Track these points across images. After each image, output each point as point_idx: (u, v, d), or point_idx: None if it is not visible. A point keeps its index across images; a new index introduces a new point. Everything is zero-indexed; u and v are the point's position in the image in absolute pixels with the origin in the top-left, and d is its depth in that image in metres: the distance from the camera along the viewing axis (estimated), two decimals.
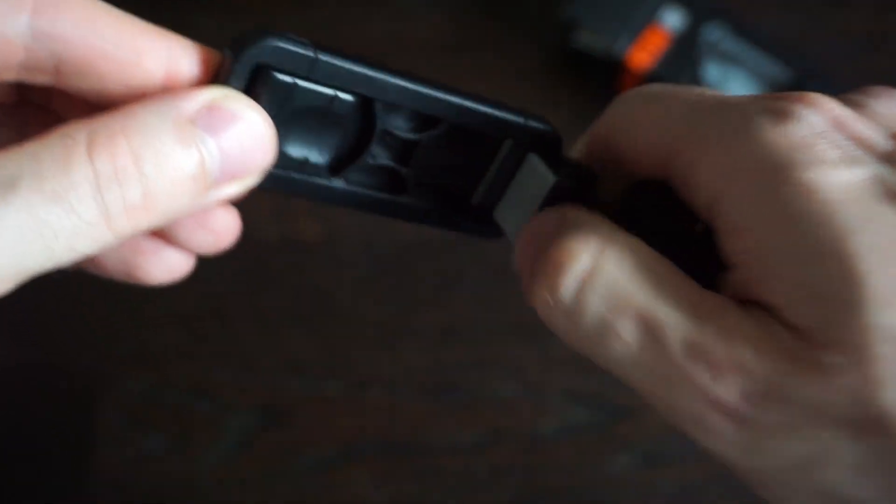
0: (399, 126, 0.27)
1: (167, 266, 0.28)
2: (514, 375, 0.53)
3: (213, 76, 0.23)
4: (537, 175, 0.28)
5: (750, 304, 0.22)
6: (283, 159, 0.25)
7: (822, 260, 0.21)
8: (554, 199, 0.27)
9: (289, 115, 0.24)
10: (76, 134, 0.20)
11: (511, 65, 0.61)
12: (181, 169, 0.21)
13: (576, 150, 0.30)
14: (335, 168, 0.27)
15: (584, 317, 0.23)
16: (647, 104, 0.27)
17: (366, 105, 0.26)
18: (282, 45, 0.23)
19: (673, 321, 0.22)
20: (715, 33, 0.59)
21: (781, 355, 0.21)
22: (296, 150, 0.26)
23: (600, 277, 0.23)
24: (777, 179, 0.22)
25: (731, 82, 0.58)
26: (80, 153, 0.20)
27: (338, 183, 0.27)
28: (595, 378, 0.52)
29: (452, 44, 0.62)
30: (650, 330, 0.23)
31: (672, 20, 0.59)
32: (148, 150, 0.21)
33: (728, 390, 0.22)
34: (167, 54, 0.23)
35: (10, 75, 0.22)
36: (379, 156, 0.27)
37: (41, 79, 0.23)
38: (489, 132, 0.28)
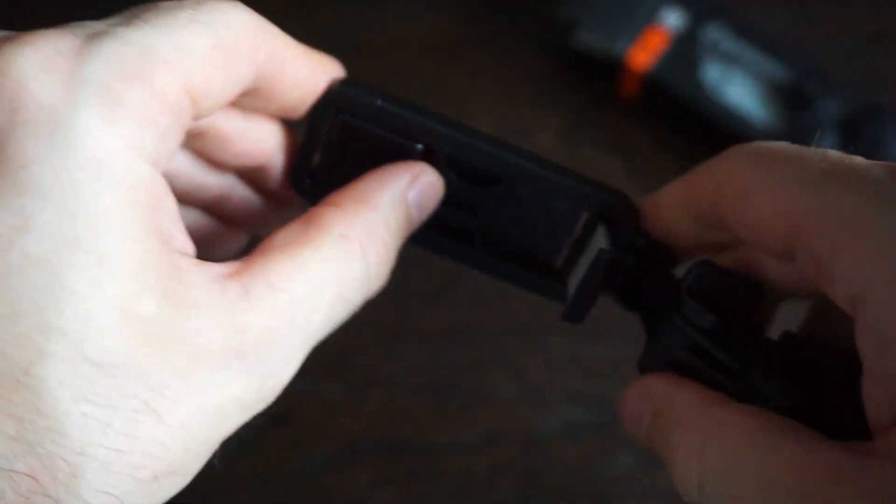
0: (463, 178, 0.28)
1: (230, 245, 0.33)
2: (514, 375, 0.53)
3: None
4: (596, 248, 0.27)
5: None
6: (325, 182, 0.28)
7: None
8: (602, 270, 0.27)
9: (360, 152, 0.28)
10: (348, 233, 0.26)
11: (511, 65, 0.61)
12: (404, 239, 0.29)
13: (665, 198, 0.28)
14: None
15: None
16: (768, 168, 0.24)
17: (431, 152, 0.28)
18: (350, 93, 0.27)
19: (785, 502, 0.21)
20: (715, 33, 0.59)
21: None
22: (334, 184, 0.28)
23: (711, 477, 0.23)
24: None
25: (730, 82, 0.58)
26: (358, 258, 0.26)
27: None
28: (595, 378, 0.52)
29: (452, 44, 0.62)
30: None
31: (672, 20, 0.59)
32: (393, 241, 0.28)
33: None
34: (323, 79, 0.28)
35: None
36: (447, 204, 0.28)
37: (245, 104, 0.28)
38: (552, 197, 0.28)
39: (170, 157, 0.23)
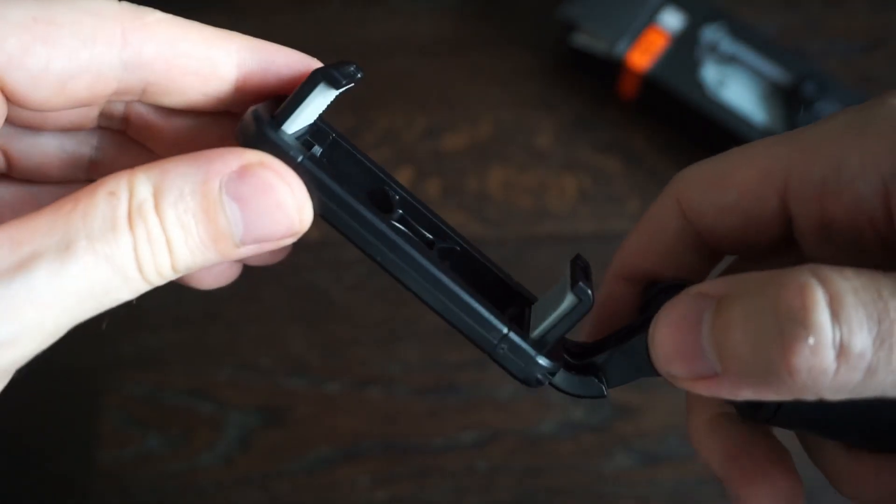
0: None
1: (217, 274, 0.29)
2: None
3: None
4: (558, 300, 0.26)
5: None
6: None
7: None
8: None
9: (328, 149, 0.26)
10: (120, 193, 0.22)
11: (511, 65, 0.61)
12: (204, 234, 0.22)
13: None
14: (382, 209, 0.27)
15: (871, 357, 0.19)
16: (725, 158, 0.25)
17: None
18: (268, 150, 0.23)
19: None
20: (714, 34, 0.59)
21: None
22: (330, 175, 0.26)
23: (848, 308, 0.19)
24: None
25: (730, 83, 0.58)
26: (123, 221, 0.22)
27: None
28: None
29: (452, 44, 0.62)
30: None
31: (671, 21, 0.59)
32: (175, 222, 0.22)
33: None
34: (238, 59, 0.24)
35: (101, 103, 0.24)
36: (408, 221, 0.27)
37: (128, 98, 0.24)
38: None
39: None
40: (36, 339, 0.21)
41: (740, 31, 0.59)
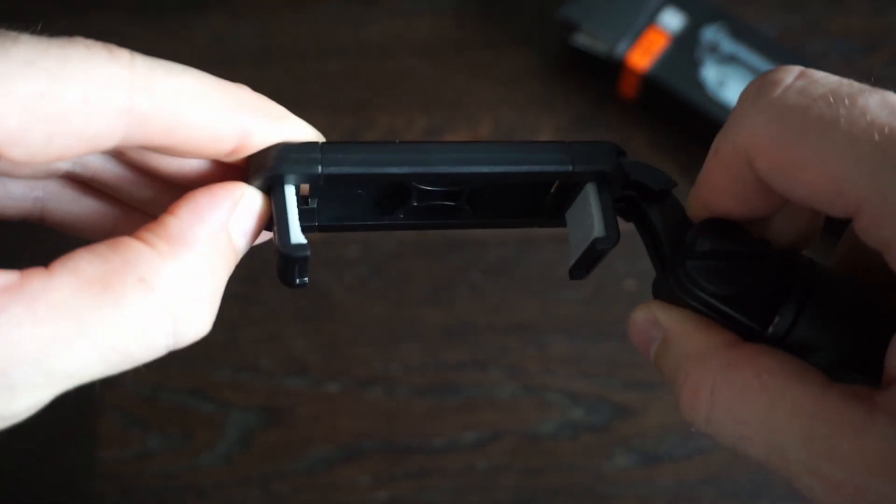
0: (434, 190, 0.27)
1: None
2: (514, 375, 0.53)
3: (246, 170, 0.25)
4: (587, 213, 0.27)
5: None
6: (328, 216, 0.27)
7: None
8: (601, 252, 0.27)
9: (323, 191, 0.26)
10: (154, 280, 0.22)
11: (511, 65, 0.61)
12: (229, 273, 0.25)
13: (702, 186, 0.27)
14: (384, 209, 0.28)
15: (721, 438, 0.24)
16: (805, 141, 0.23)
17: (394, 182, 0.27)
18: (289, 173, 0.24)
19: (790, 446, 0.22)
20: (714, 34, 0.59)
21: None
22: (336, 212, 0.27)
23: (719, 415, 0.24)
24: None
25: (730, 83, 0.58)
26: (162, 309, 0.23)
27: (388, 220, 0.28)
28: (595, 378, 0.52)
29: (452, 44, 0.62)
30: (771, 451, 0.23)
31: (671, 21, 0.59)
32: (215, 284, 0.24)
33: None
34: (241, 127, 0.24)
35: (98, 154, 0.24)
36: (423, 201, 0.27)
37: (127, 155, 0.25)
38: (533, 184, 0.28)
39: None
40: (32, 411, 0.22)
41: (740, 31, 0.59)
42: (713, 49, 0.59)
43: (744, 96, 0.25)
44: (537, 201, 0.29)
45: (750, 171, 0.24)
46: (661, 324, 0.26)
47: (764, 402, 0.23)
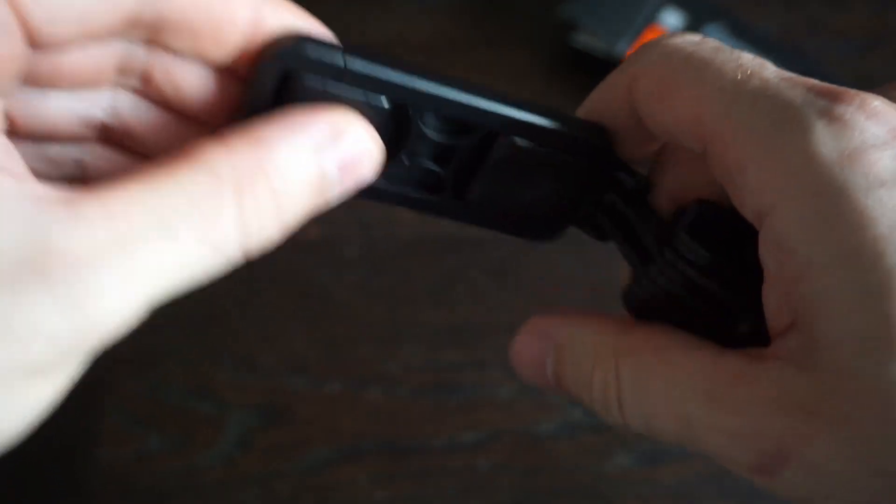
0: (435, 130, 0.26)
1: None
2: (514, 375, 0.53)
3: (252, 69, 0.24)
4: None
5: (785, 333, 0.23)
6: None
7: (869, 303, 0.20)
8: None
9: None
10: (221, 169, 0.21)
11: (511, 65, 0.61)
12: (313, 206, 0.23)
13: (588, 102, 0.29)
14: None
15: (637, 426, 0.25)
16: (683, 70, 0.24)
17: (400, 108, 0.26)
18: (308, 54, 0.23)
19: (695, 412, 0.23)
20: (714, 34, 0.59)
21: (796, 413, 0.22)
22: None
23: (628, 400, 0.25)
24: (833, 206, 0.21)
25: None
26: (229, 198, 0.21)
27: (376, 181, 0.26)
28: None
29: (452, 44, 0.62)
30: (680, 423, 0.24)
31: (671, 21, 0.59)
32: (288, 196, 0.22)
33: (750, 456, 0.22)
34: (253, 6, 0.24)
35: (116, 31, 0.23)
36: (417, 156, 0.27)
37: (138, 36, 0.23)
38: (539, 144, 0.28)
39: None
40: (126, 318, 0.21)
41: (740, 31, 0.59)
42: None
43: (647, 43, 0.27)
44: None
45: (628, 97, 0.26)
46: (552, 333, 0.27)
47: (666, 375, 0.24)
